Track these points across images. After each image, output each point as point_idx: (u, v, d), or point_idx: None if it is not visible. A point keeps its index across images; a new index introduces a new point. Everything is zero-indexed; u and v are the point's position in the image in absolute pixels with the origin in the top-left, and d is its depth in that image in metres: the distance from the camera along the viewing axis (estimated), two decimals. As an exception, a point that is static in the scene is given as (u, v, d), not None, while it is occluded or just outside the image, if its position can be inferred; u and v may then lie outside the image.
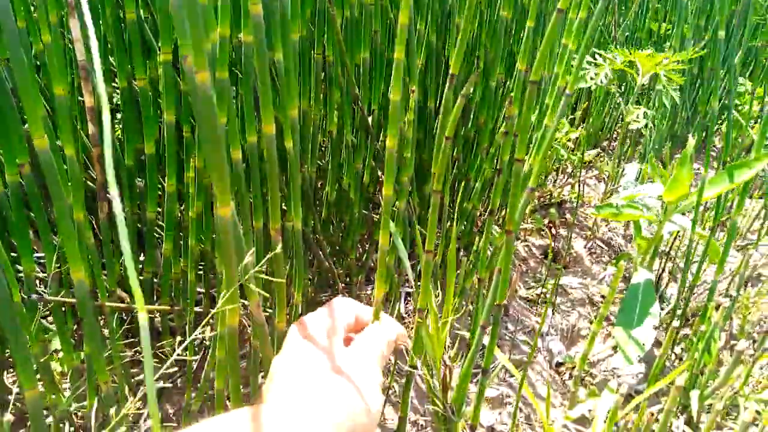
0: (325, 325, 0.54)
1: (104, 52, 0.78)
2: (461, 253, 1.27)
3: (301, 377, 0.47)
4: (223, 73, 0.63)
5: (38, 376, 0.61)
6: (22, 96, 0.44)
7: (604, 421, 0.97)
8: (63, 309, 0.73)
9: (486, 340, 0.72)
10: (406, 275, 1.17)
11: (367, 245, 1.18)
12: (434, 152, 0.61)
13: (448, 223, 1.09)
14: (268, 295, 0.68)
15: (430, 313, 0.71)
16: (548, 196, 1.61)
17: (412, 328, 1.14)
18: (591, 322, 1.30)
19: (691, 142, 1.14)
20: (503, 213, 1.16)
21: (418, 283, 1.13)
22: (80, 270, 0.52)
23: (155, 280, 0.88)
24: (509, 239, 0.62)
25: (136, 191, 0.79)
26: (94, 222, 0.82)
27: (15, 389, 0.78)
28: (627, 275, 1.42)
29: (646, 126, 1.44)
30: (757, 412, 1.04)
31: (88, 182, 0.84)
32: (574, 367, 1.17)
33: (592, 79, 1.40)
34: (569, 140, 1.40)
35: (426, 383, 0.78)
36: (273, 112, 0.60)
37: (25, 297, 0.60)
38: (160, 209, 0.84)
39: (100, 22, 0.72)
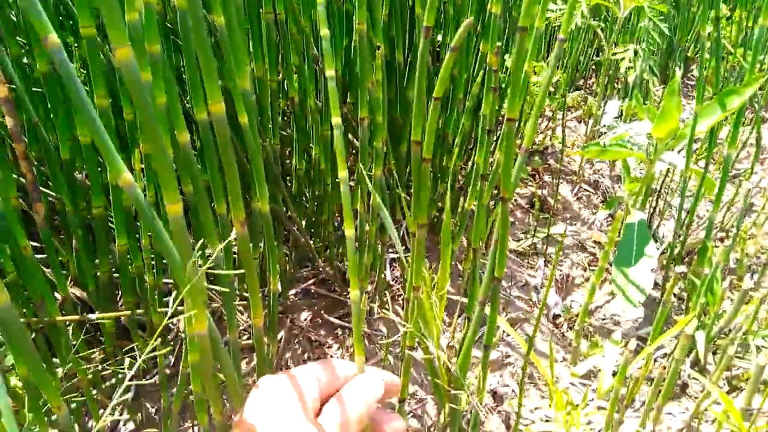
0: (288, 395, 0.44)
1: (10, 29, 0.68)
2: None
3: None
4: (153, 46, 0.54)
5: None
6: None
7: (612, 375, 0.93)
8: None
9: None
10: (390, 241, 1.10)
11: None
12: (413, 114, 0.53)
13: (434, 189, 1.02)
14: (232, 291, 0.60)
15: (424, 292, 0.64)
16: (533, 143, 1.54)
17: (400, 296, 1.08)
18: (585, 270, 1.25)
19: (678, 73, 1.07)
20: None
21: (406, 255, 1.07)
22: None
23: (115, 275, 0.80)
24: (505, 208, 0.55)
25: (77, 184, 0.70)
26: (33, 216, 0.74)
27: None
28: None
29: (632, 64, 1.37)
30: (764, 347, 1.01)
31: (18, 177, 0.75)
32: (571, 318, 1.13)
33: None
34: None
35: (426, 362, 0.73)
36: (218, 87, 0.51)
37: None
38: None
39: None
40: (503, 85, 1.17)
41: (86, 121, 0.38)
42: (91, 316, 0.65)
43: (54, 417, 0.52)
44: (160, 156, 0.42)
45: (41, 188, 0.66)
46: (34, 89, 0.74)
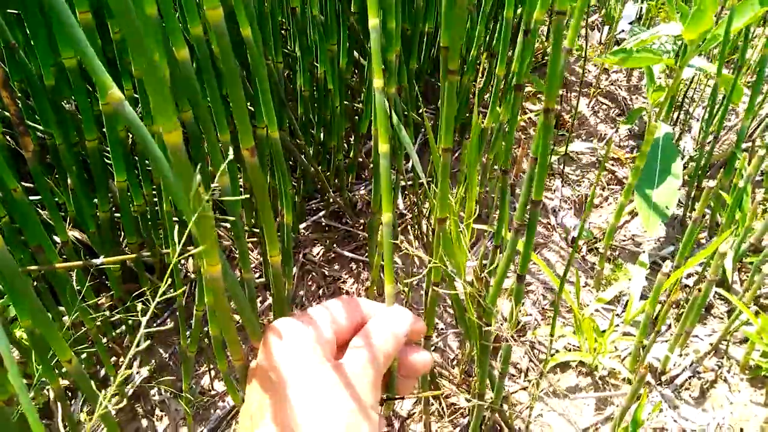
0: (303, 336, 0.41)
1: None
2: (459, 136, 1.14)
3: (275, 400, 0.38)
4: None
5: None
6: None
7: (639, 299, 0.90)
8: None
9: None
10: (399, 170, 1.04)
11: (351, 139, 1.04)
12: (444, 18, 0.46)
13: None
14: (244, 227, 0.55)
15: (451, 223, 0.59)
16: (542, 53, 1.45)
17: (412, 225, 1.03)
18: (603, 189, 1.20)
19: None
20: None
21: (420, 180, 1.01)
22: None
23: (116, 215, 0.75)
24: (549, 118, 0.49)
25: (67, 116, 0.63)
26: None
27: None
28: (637, 131, 1.31)
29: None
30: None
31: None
32: (590, 240, 1.09)
33: None
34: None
35: (452, 297, 0.69)
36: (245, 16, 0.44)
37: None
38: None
39: None
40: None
41: (70, 38, 0.31)
42: (96, 261, 0.60)
43: (64, 370, 0.48)
44: (151, 76, 0.35)
45: (27, 122, 0.60)
46: (9, 11, 0.66)
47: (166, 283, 0.43)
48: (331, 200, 0.95)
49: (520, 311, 0.93)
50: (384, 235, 0.49)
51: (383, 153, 0.50)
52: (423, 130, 1.13)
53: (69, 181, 0.66)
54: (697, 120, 1.31)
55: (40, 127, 0.65)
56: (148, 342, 0.82)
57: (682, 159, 1.23)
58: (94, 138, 0.63)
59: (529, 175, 0.55)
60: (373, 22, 0.51)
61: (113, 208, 0.71)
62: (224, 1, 0.76)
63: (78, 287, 0.63)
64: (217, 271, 0.48)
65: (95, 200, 0.69)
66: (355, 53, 0.99)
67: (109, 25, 0.60)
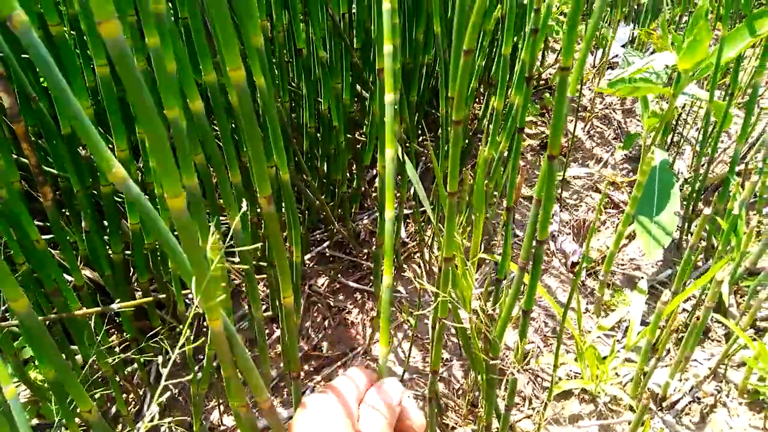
0: (336, 412, 0.45)
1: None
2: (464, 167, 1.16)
3: None
4: (159, 4, 0.48)
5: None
6: None
7: (641, 325, 0.92)
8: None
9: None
10: (407, 199, 1.06)
11: (354, 168, 1.06)
12: (450, 71, 0.48)
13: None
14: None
15: (457, 258, 0.61)
16: (537, 79, 1.48)
17: (415, 253, 1.05)
18: (601, 213, 1.22)
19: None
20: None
21: (421, 208, 1.02)
22: (20, 298, 0.39)
23: (128, 253, 0.76)
24: (552, 165, 0.51)
25: (82, 162, 0.65)
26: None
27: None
28: (632, 154, 1.33)
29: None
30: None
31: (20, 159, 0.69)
32: (590, 265, 1.11)
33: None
34: (560, 14, 1.25)
35: (459, 330, 0.70)
36: (238, 51, 0.46)
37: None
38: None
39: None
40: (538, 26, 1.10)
41: (67, 111, 0.33)
42: (113, 306, 0.61)
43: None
44: (159, 145, 0.36)
45: (43, 167, 0.61)
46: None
47: (184, 336, 0.45)
48: (335, 231, 0.97)
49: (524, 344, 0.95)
50: (383, 298, 0.50)
51: (389, 158, 0.52)
52: (423, 158, 1.15)
53: (83, 223, 0.68)
54: (691, 143, 1.34)
55: (54, 171, 0.67)
56: (155, 377, 0.83)
57: (678, 182, 1.26)
58: (109, 182, 0.65)
59: (533, 215, 0.57)
60: (388, 48, 0.53)
61: (125, 249, 0.72)
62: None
63: (90, 324, 0.64)
64: (219, 325, 0.50)
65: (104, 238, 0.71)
66: (358, 87, 1.01)
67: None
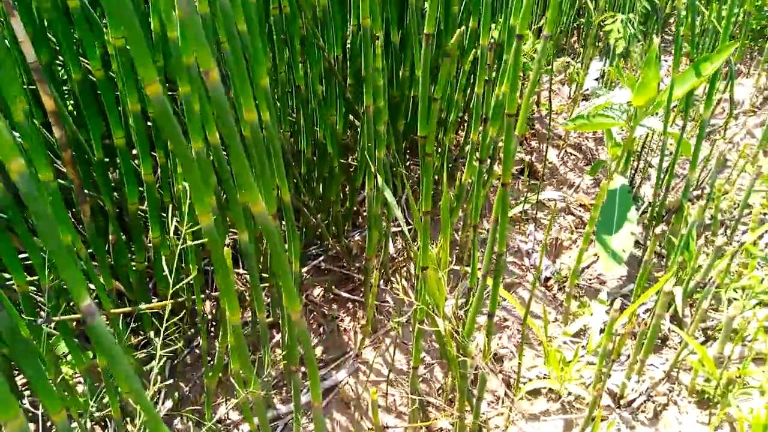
0: None
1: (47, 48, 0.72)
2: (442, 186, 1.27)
3: None
4: (189, 57, 0.59)
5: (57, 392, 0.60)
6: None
7: (600, 332, 1.02)
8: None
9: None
10: (395, 218, 1.17)
11: (347, 189, 1.17)
12: (420, 114, 0.59)
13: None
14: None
15: (429, 269, 0.72)
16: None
17: (403, 267, 1.16)
18: (572, 232, 1.34)
19: (656, 41, 1.13)
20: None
21: (409, 226, 1.13)
22: (83, 296, 0.50)
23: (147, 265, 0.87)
24: (504, 191, 0.62)
25: (112, 185, 0.76)
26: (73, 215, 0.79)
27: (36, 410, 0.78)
28: (601, 178, 1.45)
29: (621, 34, 1.42)
30: (735, 299, 1.10)
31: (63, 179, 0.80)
32: (561, 280, 1.22)
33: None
34: (534, 51, 1.38)
35: (435, 333, 0.81)
36: (252, 96, 0.57)
37: (33, 323, 0.59)
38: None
39: (35, 16, 0.66)
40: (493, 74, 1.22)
41: (51, 244, 0.43)
42: (142, 306, 0.72)
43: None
44: (191, 172, 0.47)
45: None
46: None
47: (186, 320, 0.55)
48: (329, 246, 1.08)
49: (497, 344, 1.05)
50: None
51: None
52: (410, 180, 1.27)
53: (110, 236, 0.78)
54: (656, 168, 1.46)
55: (92, 193, 0.78)
56: (168, 375, 0.93)
57: (642, 204, 1.37)
58: (135, 201, 0.76)
59: (492, 232, 0.68)
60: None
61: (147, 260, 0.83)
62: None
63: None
64: (238, 320, 0.61)
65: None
66: (351, 117, 1.12)
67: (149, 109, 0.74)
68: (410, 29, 1.02)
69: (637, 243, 1.29)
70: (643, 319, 1.12)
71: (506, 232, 1.30)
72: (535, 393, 0.99)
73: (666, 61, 1.88)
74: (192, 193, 0.49)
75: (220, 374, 0.91)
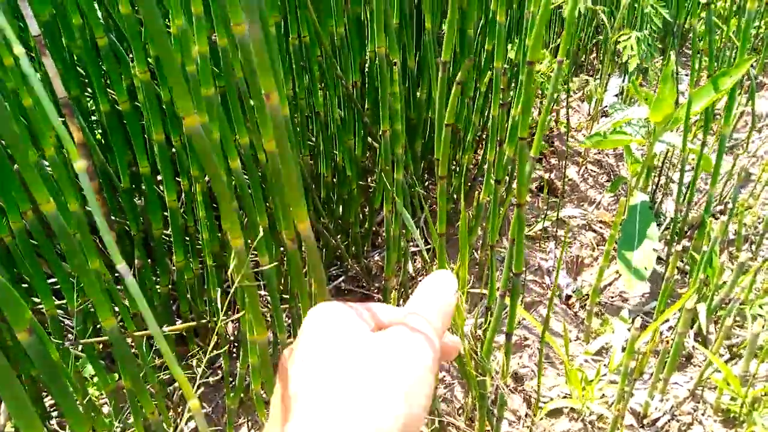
0: (347, 313, 0.36)
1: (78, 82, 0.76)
2: (460, 205, 1.28)
3: (322, 371, 0.33)
4: (208, 90, 0.61)
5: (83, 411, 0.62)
6: (18, 162, 0.43)
7: (621, 350, 1.02)
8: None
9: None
10: (413, 239, 1.18)
11: (366, 210, 1.18)
12: (436, 138, 0.61)
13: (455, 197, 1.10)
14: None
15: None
16: (533, 127, 1.61)
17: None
18: (593, 249, 1.33)
19: (673, 58, 1.14)
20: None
21: (426, 246, 1.14)
22: (110, 318, 0.52)
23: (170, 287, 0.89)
24: (520, 212, 0.63)
25: (138, 210, 0.79)
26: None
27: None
28: (622, 194, 1.45)
29: (634, 51, 1.42)
30: (760, 315, 1.09)
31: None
32: (582, 298, 1.21)
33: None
34: (551, 71, 1.39)
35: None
36: (271, 126, 0.59)
37: (60, 345, 0.61)
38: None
39: (65, 53, 0.70)
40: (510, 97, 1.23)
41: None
42: (165, 329, 0.74)
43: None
44: (224, 200, 0.50)
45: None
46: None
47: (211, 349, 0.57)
48: (349, 267, 1.09)
49: (518, 363, 1.05)
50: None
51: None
52: (428, 201, 1.28)
53: (136, 261, 0.81)
54: (677, 184, 1.45)
55: (118, 220, 0.81)
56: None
57: (665, 220, 1.36)
58: (159, 227, 0.78)
59: (509, 253, 0.69)
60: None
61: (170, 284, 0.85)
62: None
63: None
64: (264, 338, 0.62)
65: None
66: (369, 139, 1.14)
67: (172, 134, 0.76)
68: (427, 52, 1.04)
69: (659, 259, 1.28)
70: (666, 336, 1.11)
71: (526, 250, 1.30)
72: (556, 412, 0.98)
73: (687, 75, 1.87)
74: (224, 219, 0.51)
75: (242, 395, 0.92)
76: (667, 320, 1.15)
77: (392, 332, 0.35)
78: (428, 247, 1.17)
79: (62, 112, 0.62)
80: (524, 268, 1.25)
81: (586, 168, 1.53)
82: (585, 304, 1.20)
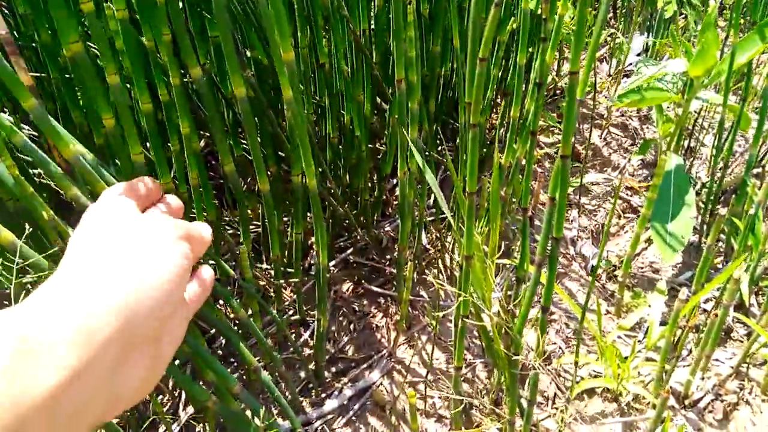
0: (122, 192, 0.49)
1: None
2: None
3: (83, 240, 0.43)
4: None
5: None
6: None
7: (660, 325, 0.93)
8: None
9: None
10: (427, 207, 1.09)
11: (374, 177, 1.09)
12: (467, 77, 0.51)
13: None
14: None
15: (477, 259, 0.63)
16: (553, 88, 1.50)
17: (436, 259, 1.07)
18: (619, 218, 1.24)
19: (713, 4, 1.03)
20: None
21: (441, 215, 1.05)
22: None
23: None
24: (565, 165, 0.54)
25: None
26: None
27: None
28: (650, 160, 1.35)
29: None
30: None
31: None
32: (609, 269, 1.12)
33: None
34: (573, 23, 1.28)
35: (480, 328, 0.73)
36: (287, 79, 0.49)
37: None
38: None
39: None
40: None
41: None
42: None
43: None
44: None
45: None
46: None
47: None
48: (358, 238, 1.00)
49: (546, 341, 0.97)
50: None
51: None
52: (442, 167, 1.18)
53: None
54: (708, 147, 1.35)
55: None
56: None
57: (695, 186, 1.27)
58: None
59: (548, 213, 0.59)
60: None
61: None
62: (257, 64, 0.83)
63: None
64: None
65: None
66: (378, 99, 1.04)
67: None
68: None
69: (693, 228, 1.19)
70: (705, 309, 1.02)
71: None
72: (589, 393, 0.90)
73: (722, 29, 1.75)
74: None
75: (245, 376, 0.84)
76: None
77: (146, 214, 0.48)
78: (443, 216, 1.08)
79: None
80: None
81: (608, 131, 1.43)
82: (612, 276, 1.11)
